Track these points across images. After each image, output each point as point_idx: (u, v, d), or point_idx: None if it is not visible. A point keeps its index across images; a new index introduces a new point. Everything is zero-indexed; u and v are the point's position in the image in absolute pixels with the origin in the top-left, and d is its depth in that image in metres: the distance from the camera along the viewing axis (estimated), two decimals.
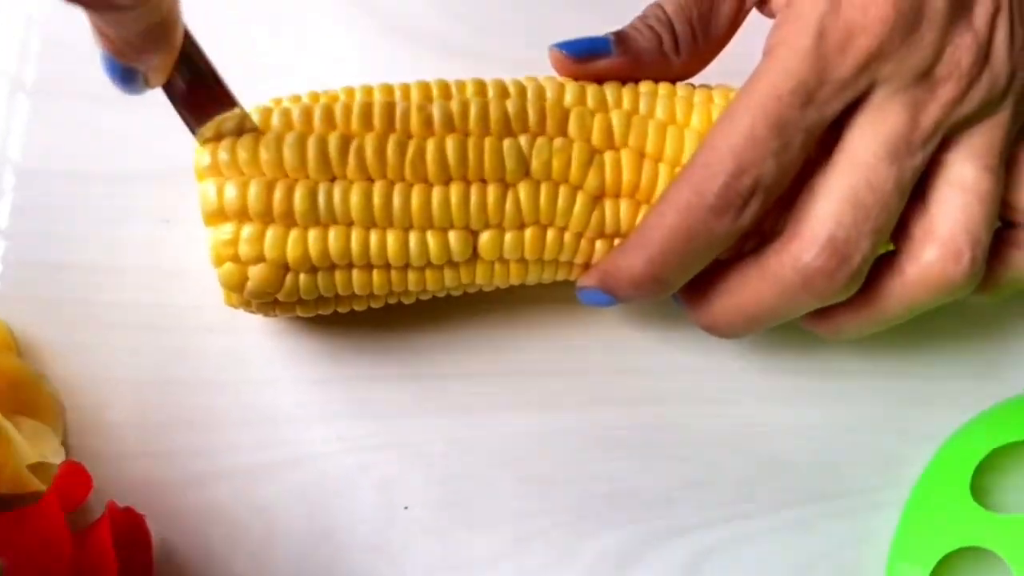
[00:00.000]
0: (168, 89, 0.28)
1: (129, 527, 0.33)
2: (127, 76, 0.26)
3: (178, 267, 0.36)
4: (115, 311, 0.36)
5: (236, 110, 0.30)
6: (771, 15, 0.33)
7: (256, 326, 0.36)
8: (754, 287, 0.31)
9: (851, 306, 0.32)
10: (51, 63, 0.37)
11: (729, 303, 0.32)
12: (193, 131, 0.30)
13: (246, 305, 0.32)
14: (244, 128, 0.30)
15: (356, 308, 0.33)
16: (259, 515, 0.35)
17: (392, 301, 0.33)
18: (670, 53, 0.33)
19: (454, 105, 0.30)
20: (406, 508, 0.36)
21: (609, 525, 0.37)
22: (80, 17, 0.24)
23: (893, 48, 0.29)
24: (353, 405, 0.36)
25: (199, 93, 0.29)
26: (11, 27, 0.37)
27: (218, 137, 0.30)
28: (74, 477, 0.32)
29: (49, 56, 0.37)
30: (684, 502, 0.37)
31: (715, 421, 0.38)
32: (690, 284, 0.32)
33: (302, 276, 0.30)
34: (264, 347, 0.36)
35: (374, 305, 0.33)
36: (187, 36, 0.27)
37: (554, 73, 0.33)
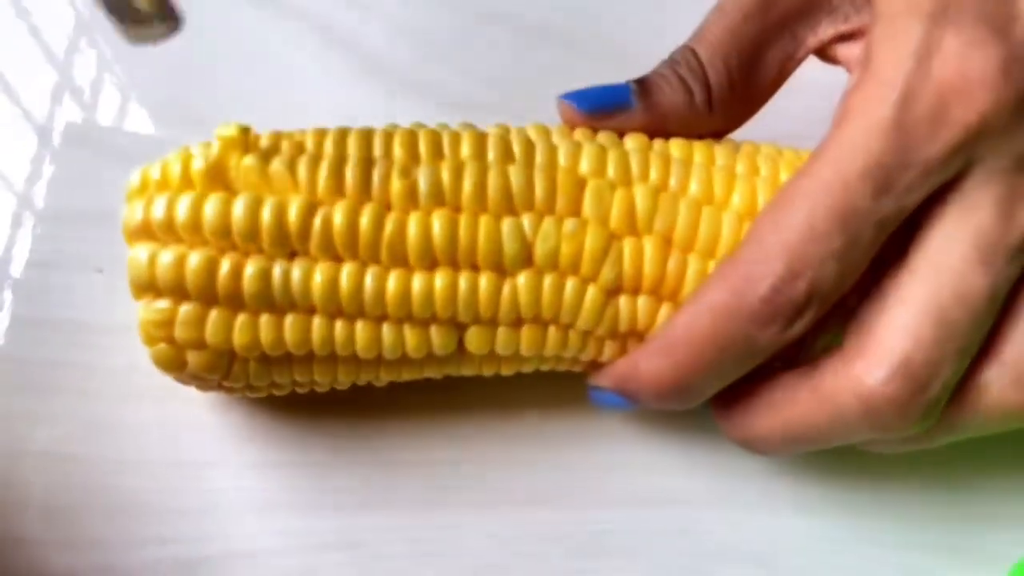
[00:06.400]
0: None
1: None
2: None
3: (110, 324, 0.36)
4: (31, 371, 0.36)
5: None
6: (834, 62, 0.32)
7: (194, 397, 0.36)
8: (803, 407, 0.30)
9: None
10: None
11: (771, 421, 0.31)
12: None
13: (184, 382, 0.32)
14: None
15: (317, 391, 0.33)
16: None
17: (361, 384, 0.33)
18: (702, 109, 0.32)
19: (445, 171, 0.29)
20: None
21: None
22: None
23: (998, 123, 0.27)
24: (300, 495, 0.36)
25: None
26: None
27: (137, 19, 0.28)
28: None
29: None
30: None
31: (735, 531, 0.38)
32: (725, 390, 0.32)
33: (252, 364, 0.30)
34: (200, 422, 0.36)
35: (338, 388, 0.33)
36: None
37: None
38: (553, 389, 0.37)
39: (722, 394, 0.32)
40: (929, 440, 0.31)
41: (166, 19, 0.28)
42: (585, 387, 0.35)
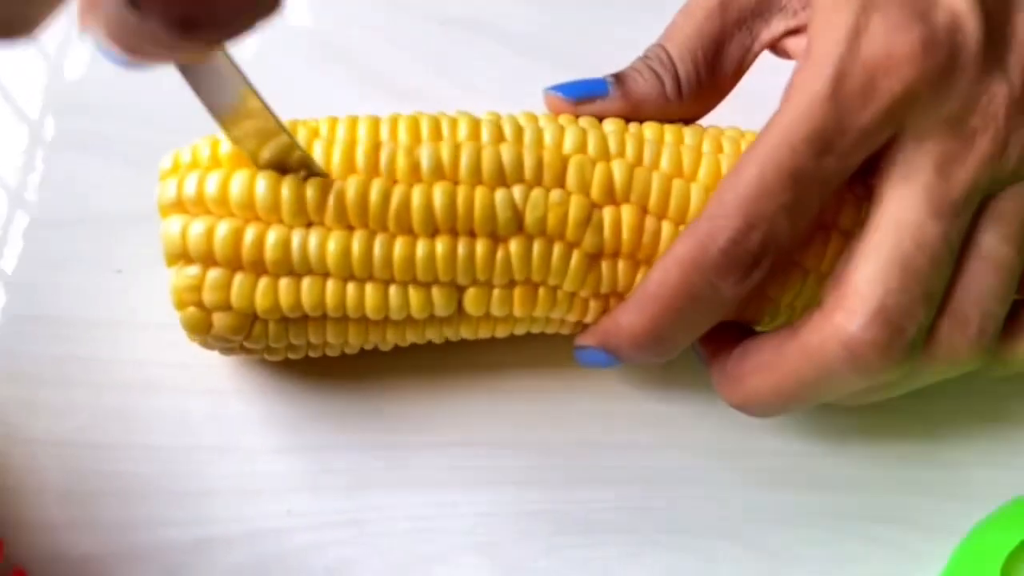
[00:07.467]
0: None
1: None
2: None
3: (125, 320, 0.40)
4: (49, 365, 0.39)
5: (274, 128, 0.32)
6: (785, 55, 0.37)
7: (203, 387, 0.39)
8: (793, 364, 0.33)
9: None
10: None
11: (764, 381, 0.34)
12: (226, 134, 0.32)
13: (208, 345, 0.35)
14: (294, 161, 0.32)
15: (329, 354, 0.36)
16: None
17: (368, 347, 0.36)
18: (672, 97, 0.36)
19: (444, 150, 0.33)
20: None
21: None
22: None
23: (922, 93, 0.31)
24: (307, 477, 0.39)
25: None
26: None
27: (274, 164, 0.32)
28: None
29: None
30: None
31: (713, 506, 0.40)
32: (720, 357, 0.36)
33: (272, 325, 0.34)
34: (211, 412, 0.39)
35: (348, 352, 0.37)
36: None
37: None
38: (544, 373, 0.40)
39: (719, 361, 0.36)
40: (897, 386, 0.34)
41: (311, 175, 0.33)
42: (573, 371, 0.39)
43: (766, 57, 0.38)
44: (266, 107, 0.31)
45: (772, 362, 0.34)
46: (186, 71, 0.29)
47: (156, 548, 0.37)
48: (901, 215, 0.32)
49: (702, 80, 0.37)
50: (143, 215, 0.38)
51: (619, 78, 0.36)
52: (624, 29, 0.39)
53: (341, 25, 0.46)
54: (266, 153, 0.32)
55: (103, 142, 0.42)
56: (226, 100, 0.30)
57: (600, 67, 0.37)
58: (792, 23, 0.36)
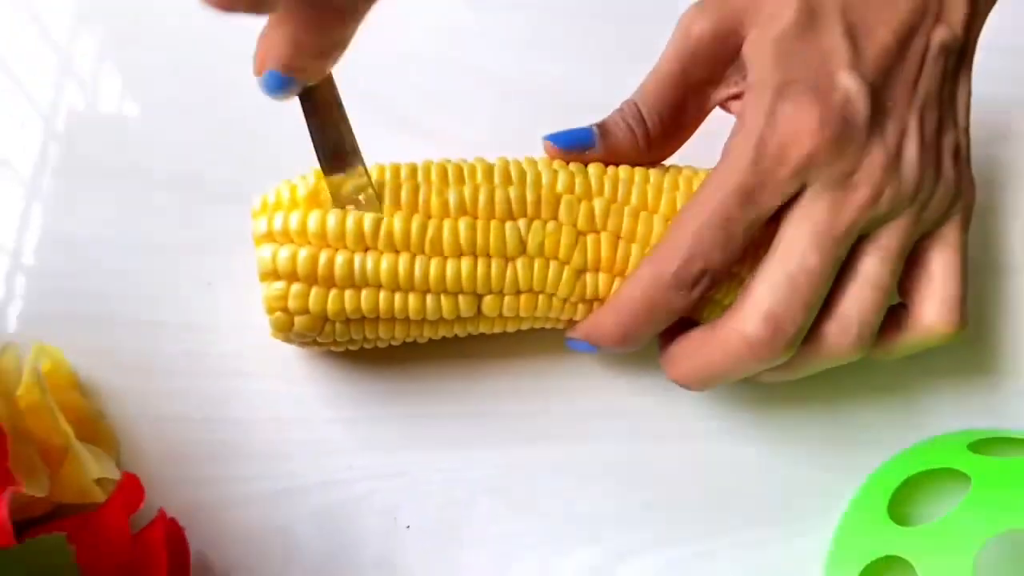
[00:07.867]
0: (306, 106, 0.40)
1: (172, 535, 0.44)
2: (288, 84, 0.36)
3: (218, 322, 0.49)
4: (163, 360, 0.48)
5: (359, 169, 0.41)
6: (729, 112, 0.46)
7: (283, 373, 0.49)
8: (708, 351, 0.43)
9: None
10: (122, 153, 0.52)
11: (690, 364, 0.45)
12: (322, 165, 0.42)
13: (289, 340, 0.45)
14: (364, 197, 0.42)
15: (379, 346, 0.46)
16: (280, 535, 0.47)
17: (409, 341, 0.46)
18: (643, 147, 0.46)
19: (466, 191, 0.43)
20: (408, 528, 0.48)
21: (584, 543, 0.49)
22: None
23: (821, 158, 0.41)
24: (363, 440, 0.49)
25: (328, 131, 0.41)
26: (75, 114, 0.52)
27: (344, 199, 0.42)
28: (131, 487, 0.43)
29: (118, 144, 0.52)
30: (650, 524, 0.50)
31: (672, 457, 0.51)
32: (666, 346, 0.46)
33: (338, 325, 0.43)
34: (289, 391, 0.49)
35: (393, 344, 0.46)
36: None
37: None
38: (544, 359, 0.50)
39: (665, 348, 0.45)
40: (795, 371, 0.44)
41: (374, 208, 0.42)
42: (565, 357, 0.49)
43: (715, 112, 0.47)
44: (358, 151, 0.41)
45: (697, 349, 0.44)
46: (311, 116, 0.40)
47: (251, 496, 0.46)
48: (791, 245, 0.41)
49: (666, 133, 0.46)
50: (222, 241, 0.48)
51: (602, 129, 0.45)
52: (615, 78, 0.48)
53: (376, 78, 0.55)
54: (348, 186, 0.42)
55: (185, 183, 0.51)
56: (331, 140, 0.41)
57: (595, 109, 0.47)
58: (734, 90, 0.45)
